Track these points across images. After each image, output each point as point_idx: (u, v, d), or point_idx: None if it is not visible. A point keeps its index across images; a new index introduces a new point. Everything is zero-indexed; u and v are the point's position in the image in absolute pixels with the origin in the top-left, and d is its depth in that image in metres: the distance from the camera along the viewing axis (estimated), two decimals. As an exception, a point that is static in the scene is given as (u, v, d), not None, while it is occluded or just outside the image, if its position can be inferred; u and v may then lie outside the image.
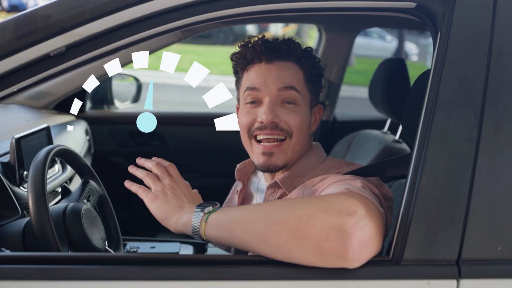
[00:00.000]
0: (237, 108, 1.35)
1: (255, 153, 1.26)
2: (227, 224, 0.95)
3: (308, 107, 1.28)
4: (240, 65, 1.29)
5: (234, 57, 1.30)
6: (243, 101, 1.28)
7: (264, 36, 1.29)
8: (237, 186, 1.47)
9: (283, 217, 0.90)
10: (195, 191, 1.16)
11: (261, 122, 1.22)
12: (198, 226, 0.97)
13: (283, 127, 1.22)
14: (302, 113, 1.24)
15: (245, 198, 1.44)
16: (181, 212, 1.01)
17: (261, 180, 1.39)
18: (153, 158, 1.18)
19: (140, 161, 1.17)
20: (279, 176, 1.27)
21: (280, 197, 1.27)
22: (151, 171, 1.14)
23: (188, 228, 0.99)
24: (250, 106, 1.25)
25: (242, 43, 1.29)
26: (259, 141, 1.24)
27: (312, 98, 1.29)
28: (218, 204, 1.02)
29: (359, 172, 1.19)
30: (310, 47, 1.31)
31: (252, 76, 1.25)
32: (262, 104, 1.23)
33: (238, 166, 1.43)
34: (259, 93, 1.23)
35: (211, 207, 0.99)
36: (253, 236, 0.92)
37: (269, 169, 1.25)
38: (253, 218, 0.93)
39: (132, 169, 1.14)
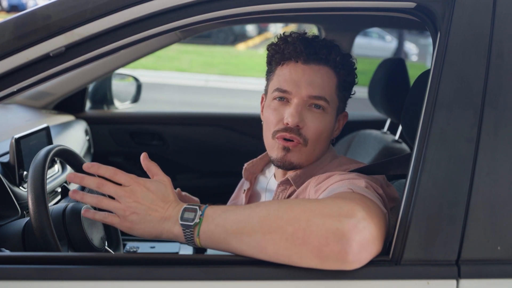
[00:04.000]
0: (262, 98, 1.34)
1: (275, 147, 1.24)
2: (221, 237, 0.92)
3: (335, 114, 1.26)
4: (275, 59, 1.27)
5: (270, 48, 1.28)
6: (270, 96, 1.26)
7: (305, 32, 1.26)
8: (244, 185, 1.47)
9: (280, 224, 0.89)
10: (155, 176, 1.02)
11: (287, 124, 1.21)
12: (192, 239, 0.94)
13: (303, 132, 1.21)
14: (326, 121, 1.23)
15: (252, 197, 1.44)
16: (166, 224, 0.95)
17: (271, 180, 1.38)
18: (85, 166, 0.98)
19: (76, 179, 0.97)
20: (291, 173, 1.27)
21: (290, 194, 1.27)
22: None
23: (181, 239, 0.95)
24: (278, 103, 1.24)
25: (282, 36, 1.27)
26: (280, 138, 1.23)
27: (340, 105, 1.27)
28: (199, 208, 0.95)
29: (365, 171, 1.19)
30: (350, 54, 1.28)
31: (285, 75, 1.23)
32: (290, 104, 1.22)
33: (245, 165, 1.43)
34: (289, 95, 1.22)
35: (197, 218, 0.93)
36: (250, 246, 0.91)
37: (284, 165, 1.25)
38: (249, 227, 0.91)
39: (78, 196, 0.97)
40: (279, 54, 1.25)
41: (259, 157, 1.43)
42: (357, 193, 0.99)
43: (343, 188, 1.02)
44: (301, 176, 1.26)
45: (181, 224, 0.94)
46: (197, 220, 0.94)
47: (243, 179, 1.49)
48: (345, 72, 1.25)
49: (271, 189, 1.36)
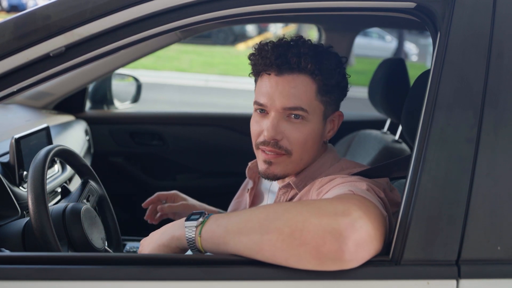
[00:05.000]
0: None
1: (259, 160, 1.25)
2: (221, 236, 0.94)
3: (320, 119, 1.23)
4: (253, 71, 1.27)
5: (249, 59, 1.28)
6: (254, 107, 1.26)
7: (282, 39, 1.23)
8: (248, 184, 1.47)
9: (277, 225, 0.89)
10: None
11: (265, 137, 1.20)
12: (194, 241, 0.97)
13: (283, 145, 1.20)
14: (307, 129, 1.21)
15: (256, 197, 1.44)
16: (170, 229, 1.04)
17: (274, 182, 1.37)
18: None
19: None
20: (292, 178, 1.27)
21: (292, 197, 1.27)
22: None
23: (184, 243, 0.99)
24: (259, 115, 1.24)
25: (256, 46, 1.25)
26: (263, 150, 1.24)
27: (327, 109, 1.24)
28: (206, 213, 1.01)
29: (368, 174, 1.18)
30: (330, 55, 1.23)
31: (261, 88, 1.22)
32: (268, 117, 1.21)
33: (249, 164, 1.43)
34: (266, 107, 1.21)
35: (200, 218, 0.99)
36: (247, 247, 0.91)
37: (268, 177, 1.25)
38: (247, 228, 0.92)
39: None
40: (255, 66, 1.24)
41: None
42: (357, 194, 0.99)
43: (343, 190, 1.02)
44: (302, 180, 1.26)
45: (186, 225, 0.98)
46: (201, 220, 0.98)
47: (247, 179, 1.49)
48: (323, 76, 1.20)
49: (274, 190, 1.37)
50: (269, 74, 1.20)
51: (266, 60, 1.19)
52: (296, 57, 1.18)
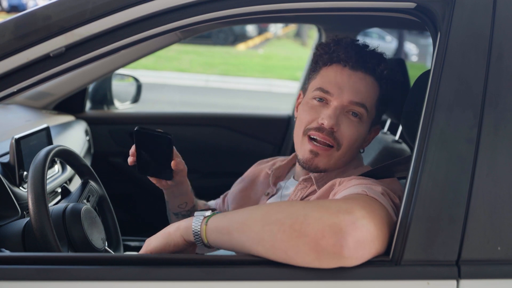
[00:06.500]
0: (300, 95, 1.35)
1: (303, 148, 1.26)
2: (226, 226, 0.96)
3: (369, 125, 1.27)
4: (323, 59, 1.28)
5: (320, 47, 1.29)
6: (310, 95, 1.27)
7: (357, 40, 1.29)
8: (267, 187, 1.45)
9: (279, 217, 0.91)
10: None
11: (321, 124, 1.22)
12: (199, 230, 0.99)
13: (337, 136, 1.22)
14: (361, 130, 1.24)
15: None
16: (177, 221, 1.05)
17: (287, 183, 1.39)
18: None
19: None
20: (315, 174, 1.28)
21: (310, 194, 1.28)
22: None
23: (189, 232, 1.01)
24: (317, 104, 1.25)
25: (334, 38, 1.28)
26: (311, 139, 1.24)
27: (376, 117, 1.29)
28: (217, 209, 1.03)
29: (373, 174, 1.19)
30: (398, 70, 1.30)
31: (330, 77, 1.24)
32: (328, 106, 1.23)
33: (273, 170, 1.42)
34: (331, 96, 1.23)
35: (210, 211, 1.02)
36: (249, 237, 0.92)
37: (310, 168, 1.26)
38: (251, 219, 0.94)
39: None
40: (328, 55, 1.26)
41: (285, 161, 1.45)
42: (370, 196, 0.99)
43: (357, 190, 1.03)
44: (324, 178, 1.27)
45: (195, 215, 1.01)
46: (210, 212, 1.01)
47: (260, 173, 1.49)
48: (388, 87, 1.26)
49: (287, 187, 1.38)
50: (344, 66, 1.23)
51: (348, 52, 1.22)
52: (376, 60, 1.22)
